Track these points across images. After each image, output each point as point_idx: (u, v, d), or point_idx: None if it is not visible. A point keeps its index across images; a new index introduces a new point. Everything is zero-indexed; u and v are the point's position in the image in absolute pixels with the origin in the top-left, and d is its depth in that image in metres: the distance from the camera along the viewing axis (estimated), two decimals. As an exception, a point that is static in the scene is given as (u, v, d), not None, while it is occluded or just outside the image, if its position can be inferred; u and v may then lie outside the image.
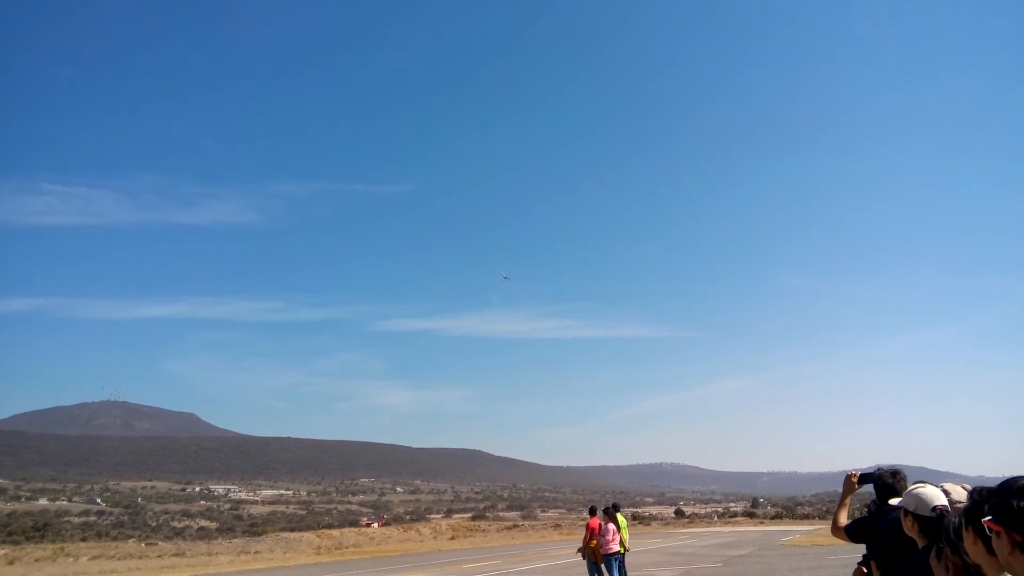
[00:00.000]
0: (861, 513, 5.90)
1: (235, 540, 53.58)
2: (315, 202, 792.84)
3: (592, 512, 19.00)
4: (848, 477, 5.65)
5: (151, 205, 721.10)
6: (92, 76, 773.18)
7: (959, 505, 3.71)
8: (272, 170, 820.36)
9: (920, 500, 4.23)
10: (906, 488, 5.37)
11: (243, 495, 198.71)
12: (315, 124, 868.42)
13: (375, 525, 66.92)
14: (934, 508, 4.10)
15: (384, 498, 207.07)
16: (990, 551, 2.27)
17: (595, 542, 17.36)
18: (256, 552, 42.21)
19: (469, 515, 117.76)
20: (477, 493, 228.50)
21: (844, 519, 5.62)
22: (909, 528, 4.18)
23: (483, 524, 74.30)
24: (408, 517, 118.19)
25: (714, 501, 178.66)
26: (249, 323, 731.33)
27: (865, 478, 5.52)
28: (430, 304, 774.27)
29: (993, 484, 3.25)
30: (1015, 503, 2.30)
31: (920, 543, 4.10)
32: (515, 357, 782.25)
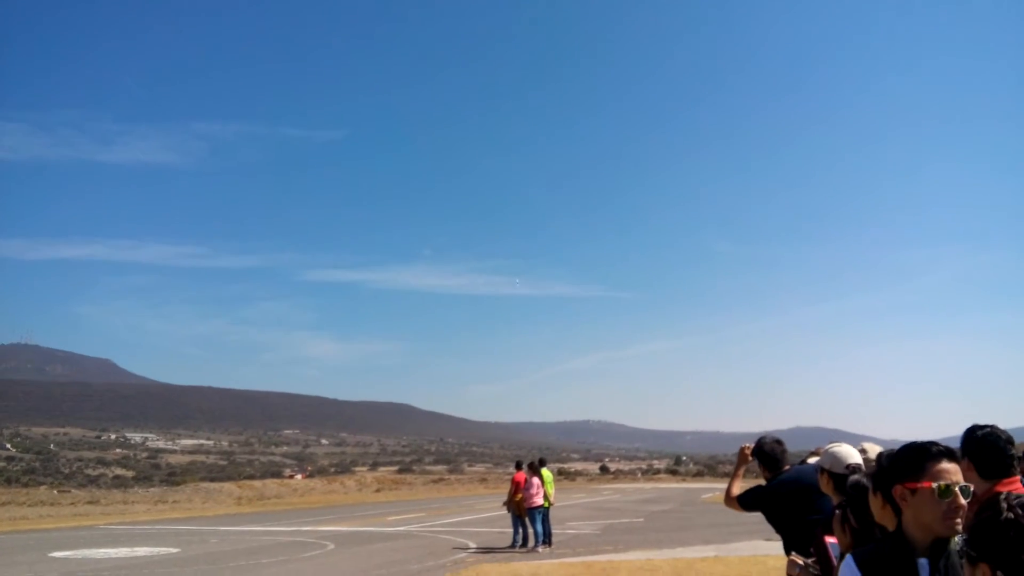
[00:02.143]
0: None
1: (152, 489, 52.66)
2: (242, 145, 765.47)
3: (518, 467, 19.17)
4: (742, 449, 5.81)
5: (67, 140, 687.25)
6: (11, 5, 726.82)
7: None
8: (196, 110, 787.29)
9: (835, 458, 4.35)
10: (788, 458, 5.63)
11: (161, 444, 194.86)
12: (243, 64, 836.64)
13: (298, 477, 66.65)
14: (847, 466, 4.22)
15: (308, 450, 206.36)
16: (896, 513, 2.43)
17: (520, 496, 17.51)
18: (174, 501, 41.48)
19: (395, 468, 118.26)
20: (404, 447, 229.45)
21: (736, 489, 5.74)
22: (825, 486, 4.27)
23: (409, 477, 74.80)
24: (333, 469, 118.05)
25: (639, 458, 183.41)
26: (169, 268, 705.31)
27: (755, 451, 5.65)
28: (360, 255, 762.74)
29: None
30: (883, 463, 2.64)
31: (835, 500, 4.19)
32: (445, 312, 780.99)
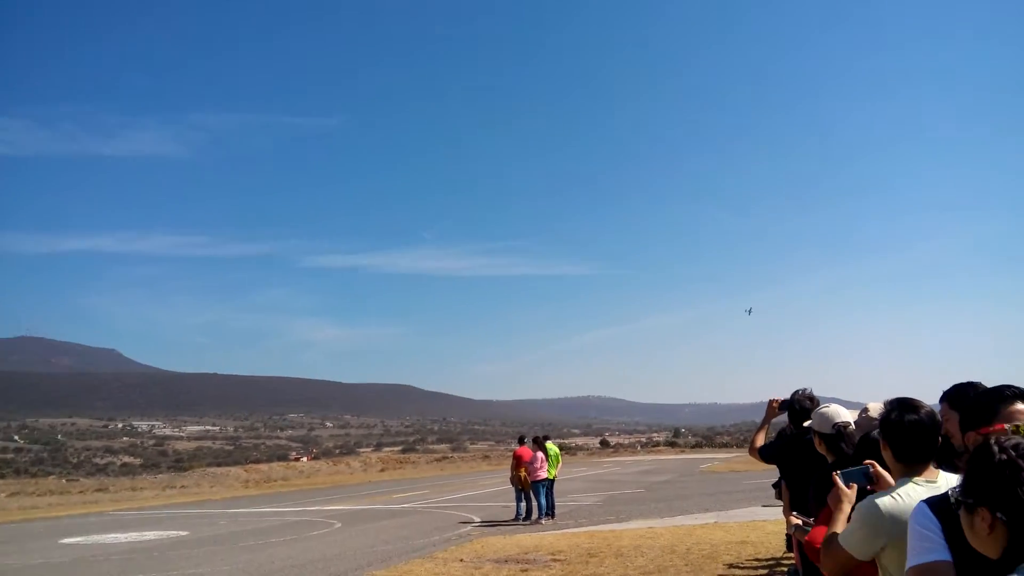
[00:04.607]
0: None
1: (160, 475, 52.93)
2: (240, 134, 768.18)
3: (521, 441, 19.44)
4: (770, 403, 5.82)
5: (69, 135, 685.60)
6: (9, 2, 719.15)
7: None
8: (194, 101, 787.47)
9: (823, 418, 4.43)
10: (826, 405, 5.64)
11: (168, 431, 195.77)
12: (240, 55, 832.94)
13: (304, 459, 66.87)
14: (834, 425, 4.30)
15: (313, 433, 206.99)
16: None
17: (523, 470, 17.76)
18: (182, 487, 41.79)
19: (399, 448, 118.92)
20: (407, 427, 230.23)
21: (760, 441, 5.82)
22: (818, 445, 4.34)
23: (413, 457, 75.15)
24: (338, 451, 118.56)
25: (638, 432, 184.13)
26: (172, 258, 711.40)
27: (785, 405, 5.70)
28: (361, 240, 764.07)
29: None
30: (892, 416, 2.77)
31: (829, 459, 4.27)
32: (446, 294, 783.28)
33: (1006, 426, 2.40)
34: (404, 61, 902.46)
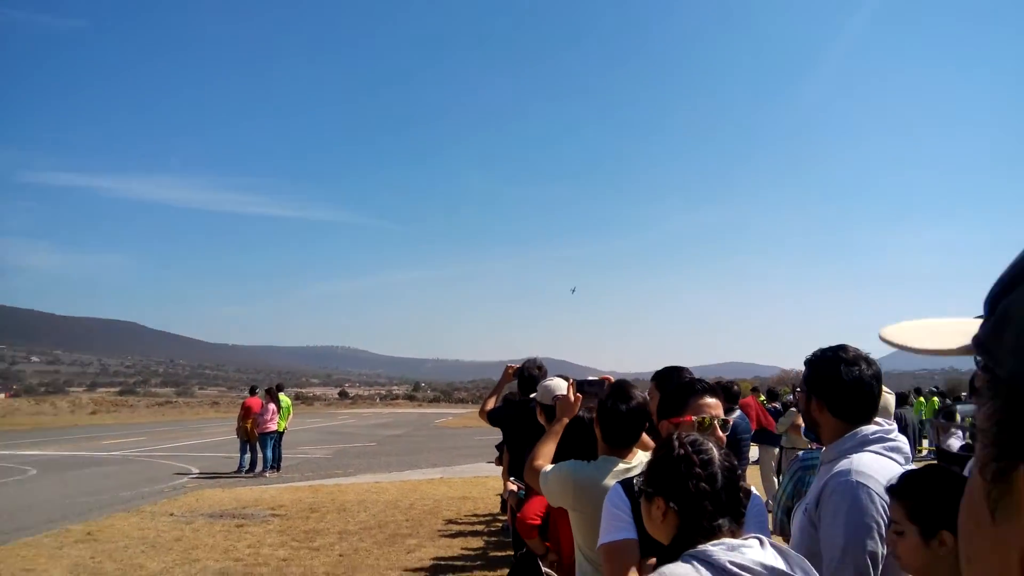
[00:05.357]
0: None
1: None
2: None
3: (253, 392, 18.62)
4: (506, 369, 5.98)
5: None
6: None
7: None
8: None
9: (545, 390, 4.60)
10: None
11: None
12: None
13: (0, 396, 59.51)
14: (555, 397, 4.48)
15: (16, 367, 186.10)
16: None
17: (251, 421, 17.04)
18: None
19: (117, 390, 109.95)
20: (128, 367, 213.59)
21: (491, 405, 5.97)
22: (539, 416, 4.49)
23: (132, 399, 69.77)
24: (43, 389, 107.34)
25: (379, 384, 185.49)
26: None
27: (518, 372, 5.86)
28: (94, 159, 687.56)
29: (624, 377, 3.68)
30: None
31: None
32: (187, 227, 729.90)
33: (693, 418, 2.58)
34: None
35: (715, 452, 1.99)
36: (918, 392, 21.47)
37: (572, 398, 3.45)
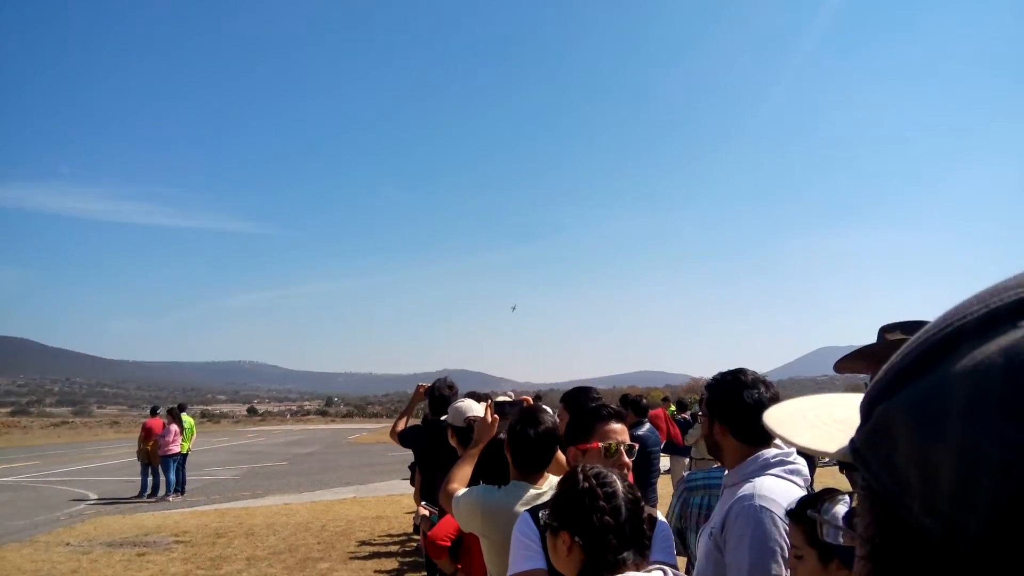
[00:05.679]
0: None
1: None
2: None
3: (154, 412, 17.90)
4: (417, 388, 5.93)
5: None
6: None
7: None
8: None
9: (456, 412, 4.58)
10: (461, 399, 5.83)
11: None
12: None
13: None
14: (466, 419, 4.46)
15: None
16: None
17: (152, 443, 16.37)
18: None
19: (8, 411, 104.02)
20: (20, 387, 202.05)
21: (402, 425, 5.91)
22: (450, 438, 4.46)
23: (24, 420, 66.20)
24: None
25: (289, 399, 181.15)
26: None
27: (429, 391, 5.82)
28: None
29: (541, 390, 3.69)
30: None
31: (460, 453, 4.40)
32: (82, 238, 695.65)
33: (600, 444, 2.61)
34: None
35: (619, 485, 2.01)
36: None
37: (489, 419, 3.37)
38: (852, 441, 0.65)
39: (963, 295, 0.58)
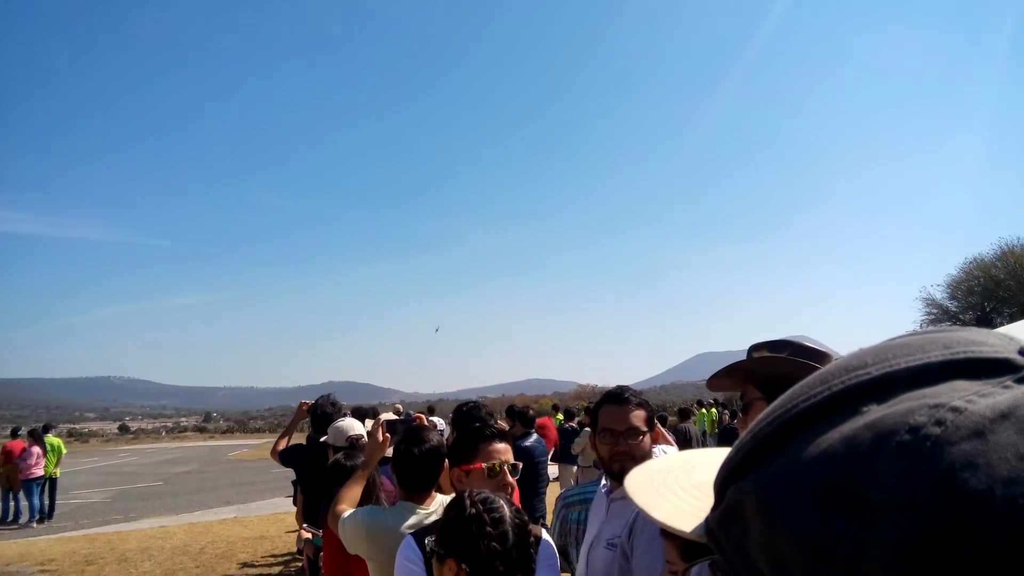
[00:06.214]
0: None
1: None
2: None
3: (15, 434, 16.74)
4: (300, 405, 5.80)
5: None
6: None
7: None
8: None
9: (337, 432, 4.55)
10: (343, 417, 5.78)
11: None
12: None
13: None
14: (348, 438, 4.44)
15: None
16: None
17: (11, 466, 15.32)
18: None
19: None
20: None
21: (283, 445, 5.77)
22: (332, 458, 4.40)
23: None
24: None
25: (164, 416, 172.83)
26: None
27: (312, 410, 5.72)
28: None
29: (430, 400, 3.72)
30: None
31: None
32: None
33: (484, 465, 2.67)
34: None
35: (506, 510, 2.03)
36: (700, 404, 22.94)
37: (380, 438, 3.30)
38: (706, 521, 0.63)
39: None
